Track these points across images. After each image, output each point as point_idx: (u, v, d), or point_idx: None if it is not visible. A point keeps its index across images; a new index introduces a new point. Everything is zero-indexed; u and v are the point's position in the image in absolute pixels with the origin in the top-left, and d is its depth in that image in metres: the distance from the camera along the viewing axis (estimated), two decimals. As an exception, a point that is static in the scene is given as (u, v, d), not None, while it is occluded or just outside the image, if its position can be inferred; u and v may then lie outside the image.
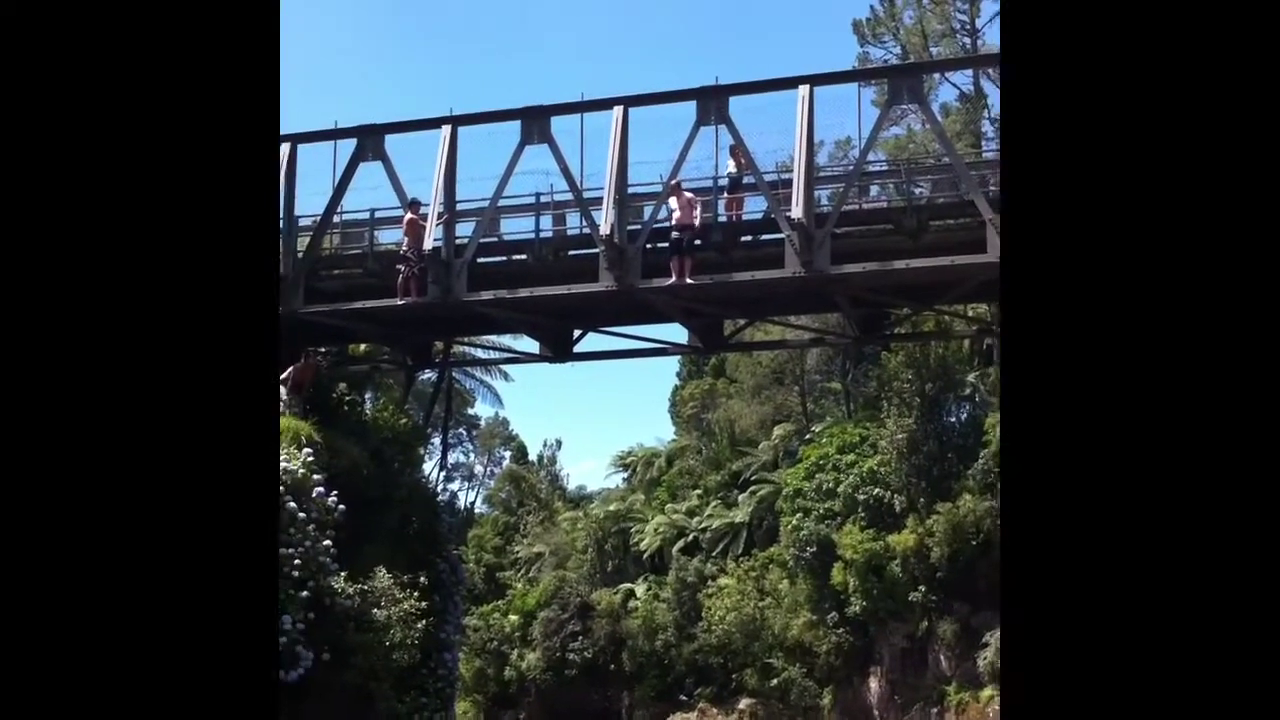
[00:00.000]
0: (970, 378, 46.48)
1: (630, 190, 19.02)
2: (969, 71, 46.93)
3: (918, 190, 20.91)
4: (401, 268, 19.15)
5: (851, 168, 20.86)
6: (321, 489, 16.49)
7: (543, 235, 20.33)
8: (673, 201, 18.60)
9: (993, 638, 40.04)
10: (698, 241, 18.77)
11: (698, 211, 18.75)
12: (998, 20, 48.93)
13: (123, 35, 5.71)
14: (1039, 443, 5.11)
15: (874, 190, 21.58)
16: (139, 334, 5.60)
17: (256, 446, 5.91)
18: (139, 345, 5.59)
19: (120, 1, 5.76)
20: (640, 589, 57.76)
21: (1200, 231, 4.98)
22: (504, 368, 52.50)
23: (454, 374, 50.96)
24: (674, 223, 18.67)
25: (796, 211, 17.46)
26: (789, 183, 18.28)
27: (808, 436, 54.36)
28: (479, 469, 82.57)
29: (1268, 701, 4.58)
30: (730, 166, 19.56)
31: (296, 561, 15.42)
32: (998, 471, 41.40)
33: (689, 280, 18.42)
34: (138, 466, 5.50)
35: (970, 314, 29.04)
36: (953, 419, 48.32)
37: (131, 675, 5.33)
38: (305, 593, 15.40)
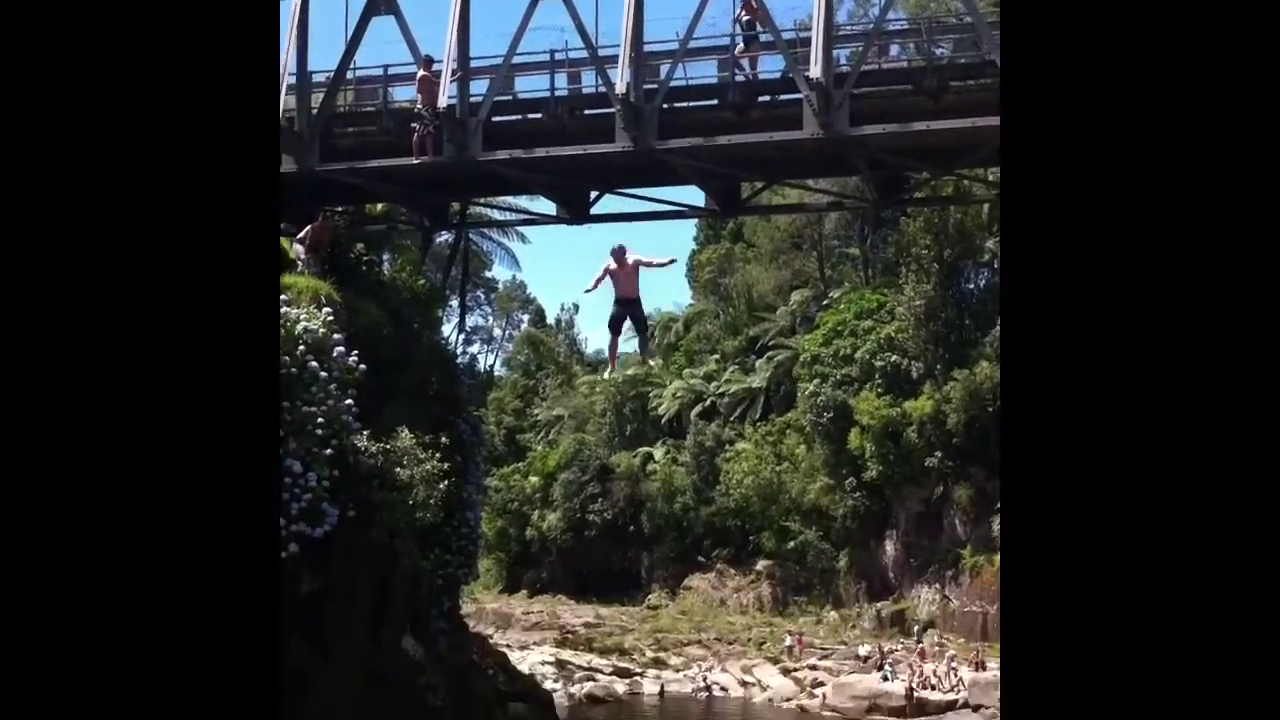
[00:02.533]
0: (989, 244, 46.26)
1: (647, 48, 18.76)
2: (996, -72, 45.74)
3: (938, 50, 20.57)
4: (416, 126, 19.04)
5: (871, 26, 20.49)
6: (342, 348, 16.58)
7: (558, 94, 20.14)
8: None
9: (1006, 501, 40.46)
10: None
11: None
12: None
13: None
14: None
15: (894, 50, 21.22)
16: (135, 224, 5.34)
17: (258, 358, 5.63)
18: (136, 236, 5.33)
19: None
20: (659, 453, 58.44)
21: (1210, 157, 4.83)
22: (521, 230, 52.51)
23: (471, 236, 50.93)
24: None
25: (815, 71, 17.22)
26: (807, 41, 18.01)
27: (825, 302, 54.43)
28: (497, 332, 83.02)
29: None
30: (744, 14, 19.13)
31: (320, 420, 15.60)
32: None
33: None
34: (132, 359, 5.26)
35: (990, 178, 28.79)
36: (971, 285, 48.32)
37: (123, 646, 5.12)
38: (329, 450, 15.59)
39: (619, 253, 15.67)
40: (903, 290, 47.70)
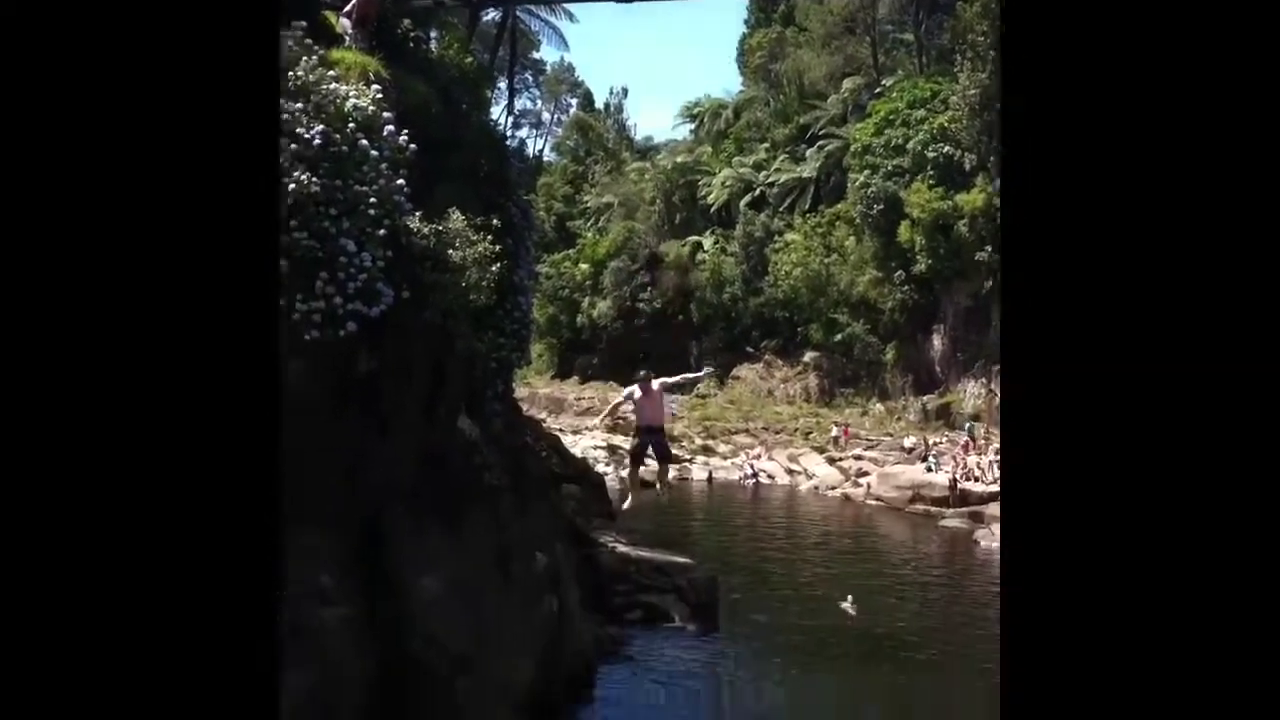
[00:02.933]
0: (1052, 28, 44.78)
1: None
2: None
3: None
4: (465, -104, 18.42)
5: None
6: (391, 127, 16.29)
7: None
8: None
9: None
10: None
11: None
12: None
13: None
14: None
15: None
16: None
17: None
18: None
19: None
20: (708, 242, 58.33)
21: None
22: (569, 8, 51.20)
23: (518, 14, 49.79)
24: None
25: None
26: None
27: (878, 90, 53.25)
28: (546, 116, 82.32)
29: None
30: None
31: (372, 200, 15.45)
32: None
33: None
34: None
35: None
36: (1031, 73, 46.93)
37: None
38: (382, 230, 15.47)
39: (644, 380, 14.87)
40: (957, 79, 46.37)
